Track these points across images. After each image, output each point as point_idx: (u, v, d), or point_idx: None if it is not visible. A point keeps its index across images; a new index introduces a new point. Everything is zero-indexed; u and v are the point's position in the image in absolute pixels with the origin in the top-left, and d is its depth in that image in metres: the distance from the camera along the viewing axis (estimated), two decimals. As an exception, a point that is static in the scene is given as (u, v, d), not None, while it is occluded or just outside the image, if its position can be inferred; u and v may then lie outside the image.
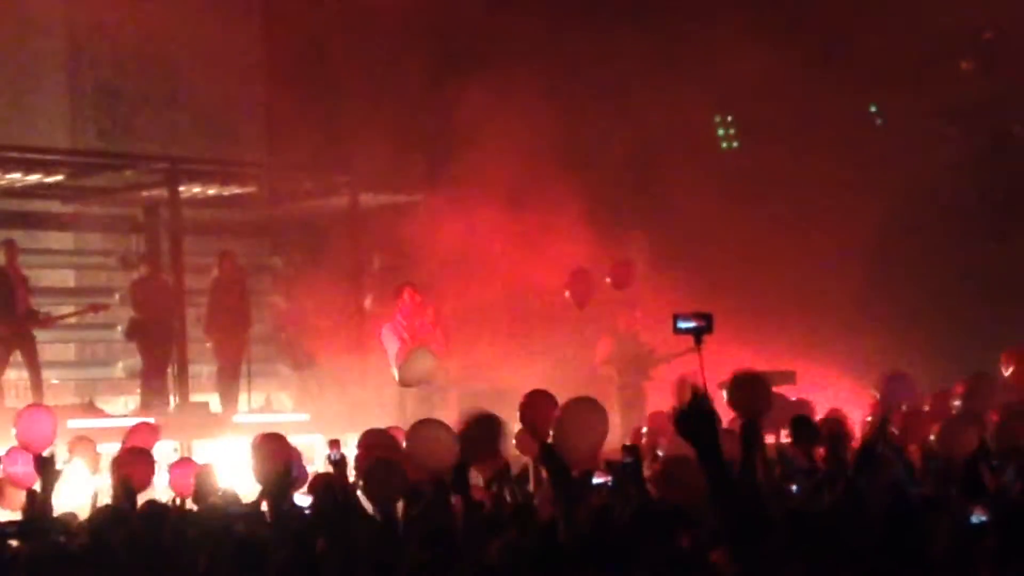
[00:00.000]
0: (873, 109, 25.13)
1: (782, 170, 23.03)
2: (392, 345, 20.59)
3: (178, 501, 12.43)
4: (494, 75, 20.87)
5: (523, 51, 21.70)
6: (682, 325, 12.81)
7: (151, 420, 16.91)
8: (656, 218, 23.18)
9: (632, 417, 20.11)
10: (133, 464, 12.49)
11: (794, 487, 10.98)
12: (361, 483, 11.19)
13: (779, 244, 23.08)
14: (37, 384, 19.92)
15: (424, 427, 11.38)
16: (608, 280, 22.04)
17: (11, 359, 19.91)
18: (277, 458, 11.76)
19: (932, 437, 12.00)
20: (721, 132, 25.84)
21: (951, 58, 24.94)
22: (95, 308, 21.62)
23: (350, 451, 12.46)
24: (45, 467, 11.24)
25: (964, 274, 23.20)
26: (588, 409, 11.15)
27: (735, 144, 25.85)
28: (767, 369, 19.58)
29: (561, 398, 11.64)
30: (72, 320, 22.16)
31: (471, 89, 20.99)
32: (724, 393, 11.41)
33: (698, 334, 12.75)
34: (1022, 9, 23.20)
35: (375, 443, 12.61)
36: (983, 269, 23.14)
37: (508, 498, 11.03)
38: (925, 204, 22.99)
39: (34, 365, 19.96)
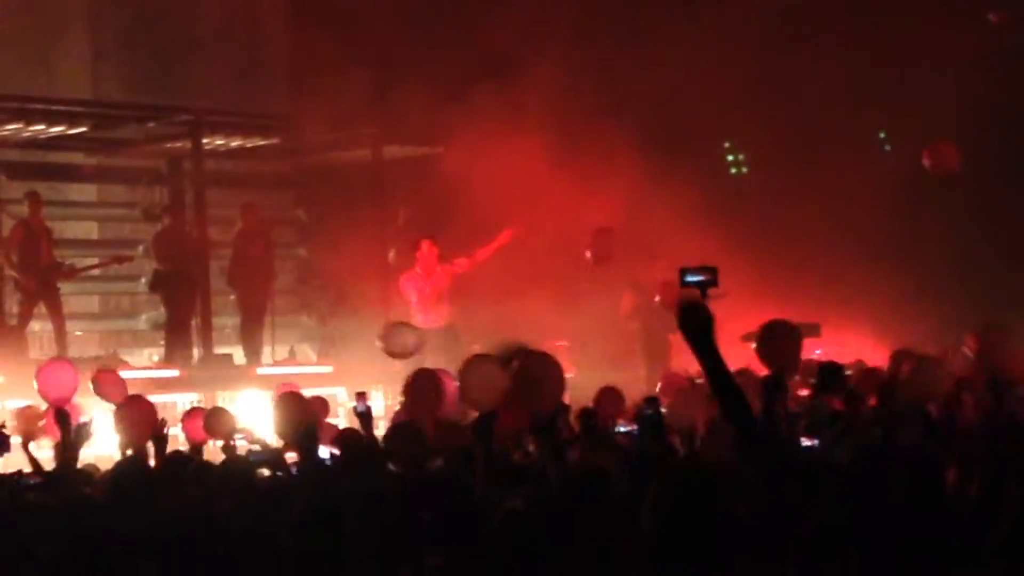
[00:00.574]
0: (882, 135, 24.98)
1: (804, 131, 22.84)
2: (412, 294, 20.73)
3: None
4: (520, 25, 20.75)
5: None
6: (689, 279, 12.99)
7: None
8: (680, 172, 23.00)
9: (657, 369, 20.07)
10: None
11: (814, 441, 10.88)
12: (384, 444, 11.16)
13: (801, 197, 23.01)
14: (61, 336, 19.94)
15: (479, 363, 11.33)
16: (588, 255, 21.85)
17: (36, 311, 19.87)
18: (299, 416, 11.77)
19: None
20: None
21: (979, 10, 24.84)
22: (119, 260, 21.59)
23: (375, 403, 12.49)
24: (63, 421, 11.21)
25: (989, 231, 23.07)
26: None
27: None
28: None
29: (587, 351, 11.80)
30: (96, 272, 22.16)
31: (497, 40, 20.88)
32: (753, 345, 11.35)
33: (703, 287, 12.92)
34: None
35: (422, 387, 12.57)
36: (1008, 227, 22.98)
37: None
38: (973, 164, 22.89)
39: (58, 317, 19.97)
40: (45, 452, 12.38)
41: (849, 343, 19.95)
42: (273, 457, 11.31)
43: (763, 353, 11.23)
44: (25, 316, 19.80)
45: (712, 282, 13.16)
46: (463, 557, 6.71)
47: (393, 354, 15.81)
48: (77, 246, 22.78)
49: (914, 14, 23.40)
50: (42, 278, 19.77)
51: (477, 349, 20.38)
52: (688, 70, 21.78)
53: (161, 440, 11.58)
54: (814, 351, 16.95)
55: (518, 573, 4.72)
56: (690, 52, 21.46)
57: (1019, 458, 8.32)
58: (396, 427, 11.44)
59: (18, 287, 19.77)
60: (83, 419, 11.86)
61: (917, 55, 22.97)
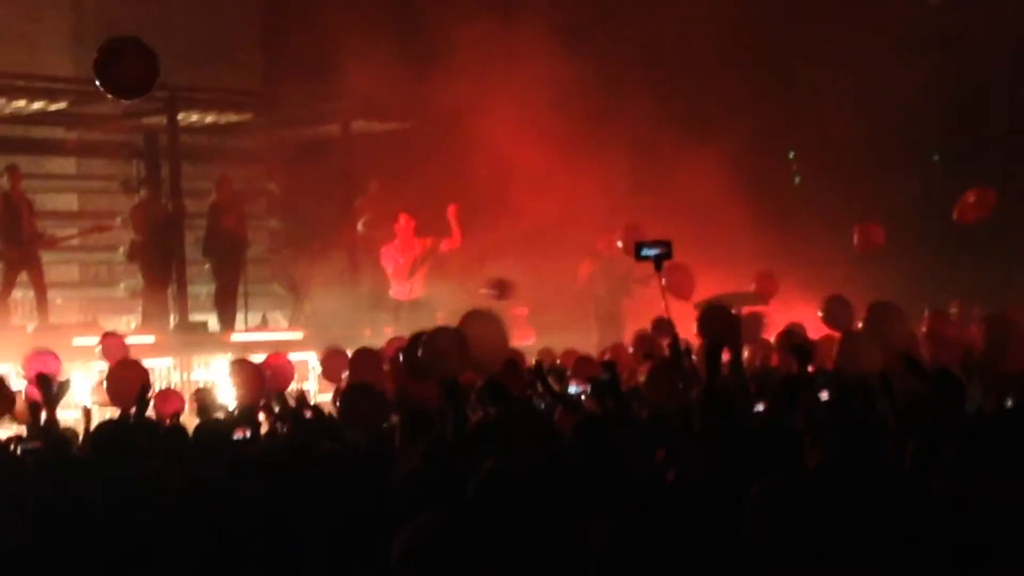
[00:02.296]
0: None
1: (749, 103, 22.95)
2: (389, 266, 21.01)
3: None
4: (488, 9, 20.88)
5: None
6: (645, 252, 13.14)
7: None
8: (634, 147, 23.10)
9: (609, 334, 20.31)
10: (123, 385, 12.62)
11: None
12: (339, 408, 11.31)
13: (755, 170, 23.10)
14: (43, 304, 19.99)
15: (482, 318, 11.56)
16: None
17: (17, 280, 19.95)
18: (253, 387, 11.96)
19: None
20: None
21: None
22: (99, 228, 21.73)
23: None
24: (44, 385, 11.30)
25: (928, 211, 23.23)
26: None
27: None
28: (740, 290, 19.92)
29: (546, 318, 12.06)
30: (75, 242, 22.28)
31: (462, 21, 20.98)
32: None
33: (659, 260, 13.10)
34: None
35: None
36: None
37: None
38: (893, 140, 23.04)
39: (40, 286, 20.01)
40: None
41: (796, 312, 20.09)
42: (245, 418, 11.45)
43: (701, 327, 11.53)
44: (8, 285, 19.82)
45: (667, 255, 13.32)
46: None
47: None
48: (58, 217, 22.86)
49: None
50: (24, 248, 19.82)
51: (443, 320, 20.76)
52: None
53: (144, 403, 11.68)
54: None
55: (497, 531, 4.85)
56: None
57: (954, 421, 8.56)
58: (351, 388, 11.55)
59: (0, 257, 19.81)
60: (61, 379, 11.94)
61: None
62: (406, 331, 17.11)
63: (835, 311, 13.51)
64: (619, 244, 21.10)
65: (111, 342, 15.61)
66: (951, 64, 24.42)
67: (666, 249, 13.29)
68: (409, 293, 21.17)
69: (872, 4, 23.83)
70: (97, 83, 14.31)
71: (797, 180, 24.99)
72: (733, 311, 12.59)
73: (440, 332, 11.42)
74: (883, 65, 23.39)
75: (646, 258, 13.27)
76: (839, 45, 23.72)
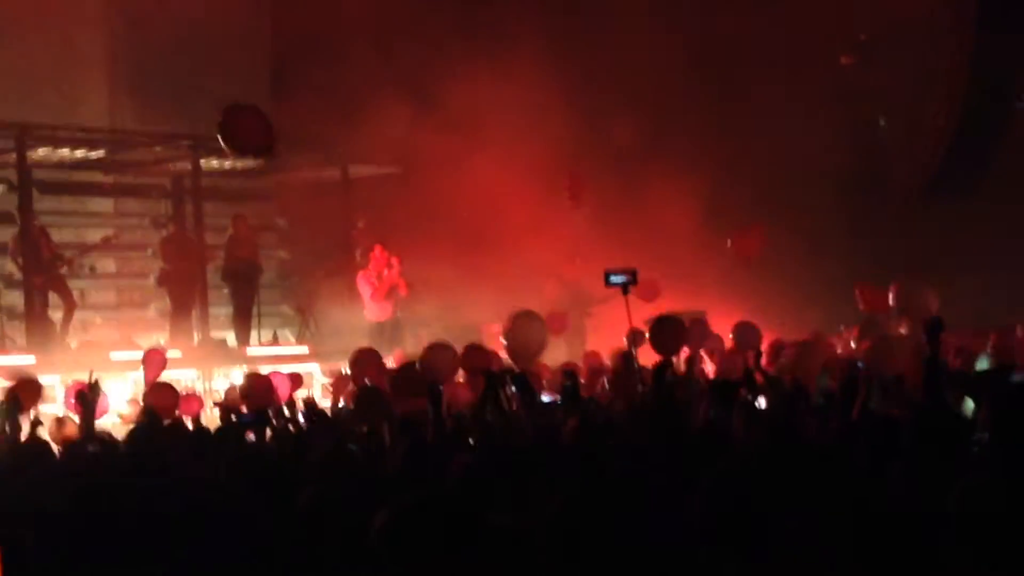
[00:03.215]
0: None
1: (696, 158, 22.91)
2: (365, 290, 21.07)
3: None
4: (470, 72, 20.86)
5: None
6: (613, 279, 13.13)
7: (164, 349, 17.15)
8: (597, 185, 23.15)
9: (575, 347, 20.36)
10: (159, 395, 12.65)
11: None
12: (352, 407, 11.31)
13: (699, 212, 23.07)
14: (68, 320, 19.84)
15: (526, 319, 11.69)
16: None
17: (51, 302, 19.86)
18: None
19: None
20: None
21: (832, 54, 25.11)
22: (106, 240, 21.57)
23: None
24: (83, 400, 11.28)
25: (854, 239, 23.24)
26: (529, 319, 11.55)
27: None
28: (682, 309, 19.90)
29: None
30: (113, 270, 22.36)
31: (444, 83, 21.02)
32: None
33: (625, 286, 13.06)
34: (893, 16, 23.31)
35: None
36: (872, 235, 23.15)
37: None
38: (819, 184, 23.07)
39: (68, 304, 19.86)
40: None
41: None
42: (257, 420, 11.47)
43: (654, 342, 11.59)
44: (43, 306, 19.62)
45: (633, 281, 13.30)
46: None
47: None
48: (97, 248, 22.84)
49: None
50: (46, 273, 19.63)
51: (424, 336, 20.80)
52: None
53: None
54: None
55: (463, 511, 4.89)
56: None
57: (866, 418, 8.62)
58: (362, 391, 11.59)
59: (26, 284, 19.64)
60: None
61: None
62: (383, 347, 17.24)
63: (742, 334, 13.58)
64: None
65: (153, 355, 15.55)
66: (858, 115, 24.58)
67: (632, 276, 13.28)
68: (384, 314, 21.19)
69: (799, 63, 23.93)
70: (221, 143, 14.05)
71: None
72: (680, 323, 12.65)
73: (438, 346, 11.53)
74: (803, 115, 23.48)
75: (615, 284, 13.24)
76: (769, 97, 23.78)
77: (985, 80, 20.30)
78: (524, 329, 11.71)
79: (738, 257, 20.09)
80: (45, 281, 19.66)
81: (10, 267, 19.89)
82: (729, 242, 20.49)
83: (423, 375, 10.91)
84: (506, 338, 11.73)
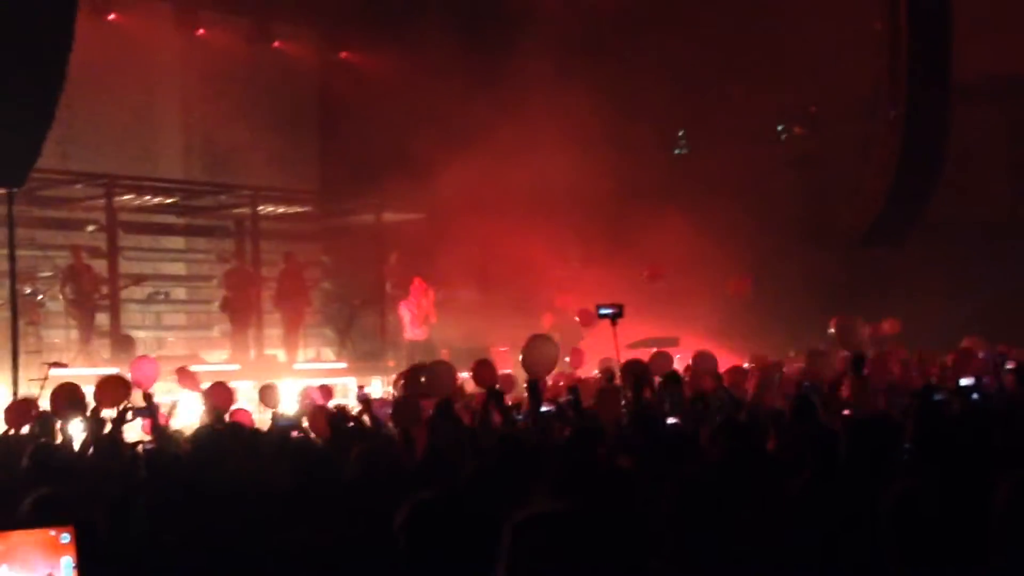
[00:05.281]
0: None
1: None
2: (406, 315, 21.03)
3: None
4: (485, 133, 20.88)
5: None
6: (603, 312, 13.09)
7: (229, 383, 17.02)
8: (585, 232, 23.11)
9: (567, 369, 20.27)
10: (218, 394, 12.63)
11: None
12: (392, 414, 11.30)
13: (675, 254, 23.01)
14: (84, 342, 19.38)
15: (540, 341, 11.70)
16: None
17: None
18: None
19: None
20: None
21: (789, 123, 25.18)
22: (138, 279, 21.27)
23: (374, 389, 12.63)
24: (148, 402, 11.22)
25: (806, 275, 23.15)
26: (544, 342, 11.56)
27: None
28: (660, 335, 19.88)
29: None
30: (184, 296, 22.42)
31: (453, 143, 21.05)
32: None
33: (614, 318, 13.02)
34: (838, 91, 23.40)
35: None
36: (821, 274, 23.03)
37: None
38: (777, 233, 23.01)
39: (83, 333, 19.39)
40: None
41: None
42: (295, 423, 11.46)
43: (624, 370, 11.59)
44: (89, 330, 19.39)
45: (620, 314, 13.24)
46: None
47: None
48: (171, 279, 22.99)
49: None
50: (88, 303, 19.38)
51: (446, 354, 20.75)
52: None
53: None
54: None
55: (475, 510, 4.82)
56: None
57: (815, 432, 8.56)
58: (400, 401, 11.58)
59: (76, 309, 19.36)
60: (172, 399, 11.87)
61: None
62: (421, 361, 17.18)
63: (700, 362, 13.55)
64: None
65: (184, 373, 15.04)
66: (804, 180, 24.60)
67: (619, 309, 13.24)
68: (421, 336, 21.16)
69: (756, 133, 23.98)
70: None
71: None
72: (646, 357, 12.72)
73: (440, 363, 11.57)
74: (763, 176, 23.53)
75: (604, 316, 13.20)
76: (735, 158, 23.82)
77: (915, 148, 20.31)
78: (539, 349, 11.73)
79: (731, 296, 20.03)
80: (89, 309, 19.39)
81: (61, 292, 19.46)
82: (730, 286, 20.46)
83: (429, 385, 10.98)
84: (524, 355, 11.74)
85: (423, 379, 11.54)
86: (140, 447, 9.91)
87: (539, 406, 10.50)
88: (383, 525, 4.73)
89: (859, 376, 10.04)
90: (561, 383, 14.64)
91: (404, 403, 11.01)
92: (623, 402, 11.16)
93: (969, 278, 22.10)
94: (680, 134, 25.68)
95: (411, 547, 4.55)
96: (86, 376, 14.69)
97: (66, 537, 4.58)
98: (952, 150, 21.26)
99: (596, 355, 18.41)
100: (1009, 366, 12.27)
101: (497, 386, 11.35)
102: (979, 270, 22.26)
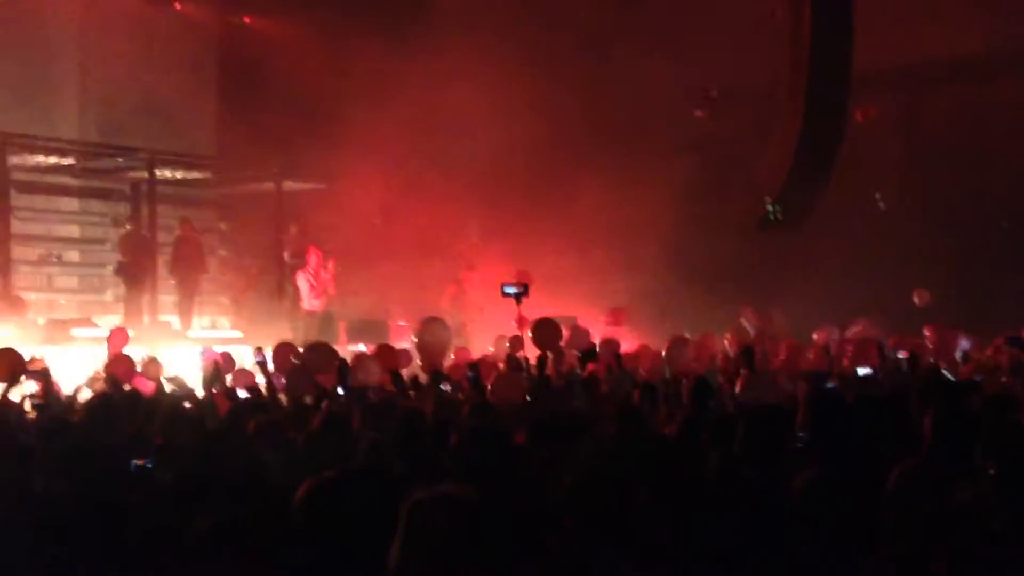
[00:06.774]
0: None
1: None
2: (304, 286, 20.84)
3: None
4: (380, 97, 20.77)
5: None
6: (508, 290, 13.08)
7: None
8: (490, 205, 23.07)
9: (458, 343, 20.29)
10: (118, 365, 12.49)
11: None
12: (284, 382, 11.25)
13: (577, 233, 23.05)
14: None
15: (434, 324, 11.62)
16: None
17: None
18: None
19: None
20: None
21: (688, 108, 25.33)
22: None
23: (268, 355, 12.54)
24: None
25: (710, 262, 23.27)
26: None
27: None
28: (558, 314, 19.91)
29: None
30: (77, 258, 22.07)
31: (355, 109, 20.92)
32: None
33: (518, 296, 13.02)
34: (739, 73, 23.53)
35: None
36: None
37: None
38: (680, 216, 23.07)
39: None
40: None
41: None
42: (189, 393, 11.35)
43: (535, 339, 11.60)
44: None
45: (525, 293, 13.24)
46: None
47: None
48: (64, 241, 22.58)
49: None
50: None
51: (341, 325, 20.67)
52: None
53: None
54: None
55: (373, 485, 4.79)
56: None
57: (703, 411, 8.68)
58: (289, 370, 11.52)
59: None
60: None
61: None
62: (312, 335, 17.08)
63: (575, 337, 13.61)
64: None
65: (119, 332, 15.32)
66: (704, 162, 24.72)
67: (524, 288, 13.23)
68: (319, 307, 21.02)
69: (648, 115, 24.01)
70: None
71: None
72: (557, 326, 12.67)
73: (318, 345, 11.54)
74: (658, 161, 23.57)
75: (509, 295, 13.16)
76: (630, 145, 23.84)
77: (813, 136, 20.54)
78: (431, 332, 11.73)
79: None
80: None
81: None
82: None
83: (305, 367, 10.99)
84: (417, 339, 11.74)
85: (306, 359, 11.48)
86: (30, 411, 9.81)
87: (441, 387, 10.50)
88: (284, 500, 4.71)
89: (751, 369, 10.20)
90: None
91: (296, 373, 10.99)
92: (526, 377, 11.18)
93: (860, 264, 22.51)
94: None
95: (309, 524, 4.53)
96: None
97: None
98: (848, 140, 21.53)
99: (493, 331, 18.47)
100: (901, 355, 12.50)
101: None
102: (870, 256, 22.70)
